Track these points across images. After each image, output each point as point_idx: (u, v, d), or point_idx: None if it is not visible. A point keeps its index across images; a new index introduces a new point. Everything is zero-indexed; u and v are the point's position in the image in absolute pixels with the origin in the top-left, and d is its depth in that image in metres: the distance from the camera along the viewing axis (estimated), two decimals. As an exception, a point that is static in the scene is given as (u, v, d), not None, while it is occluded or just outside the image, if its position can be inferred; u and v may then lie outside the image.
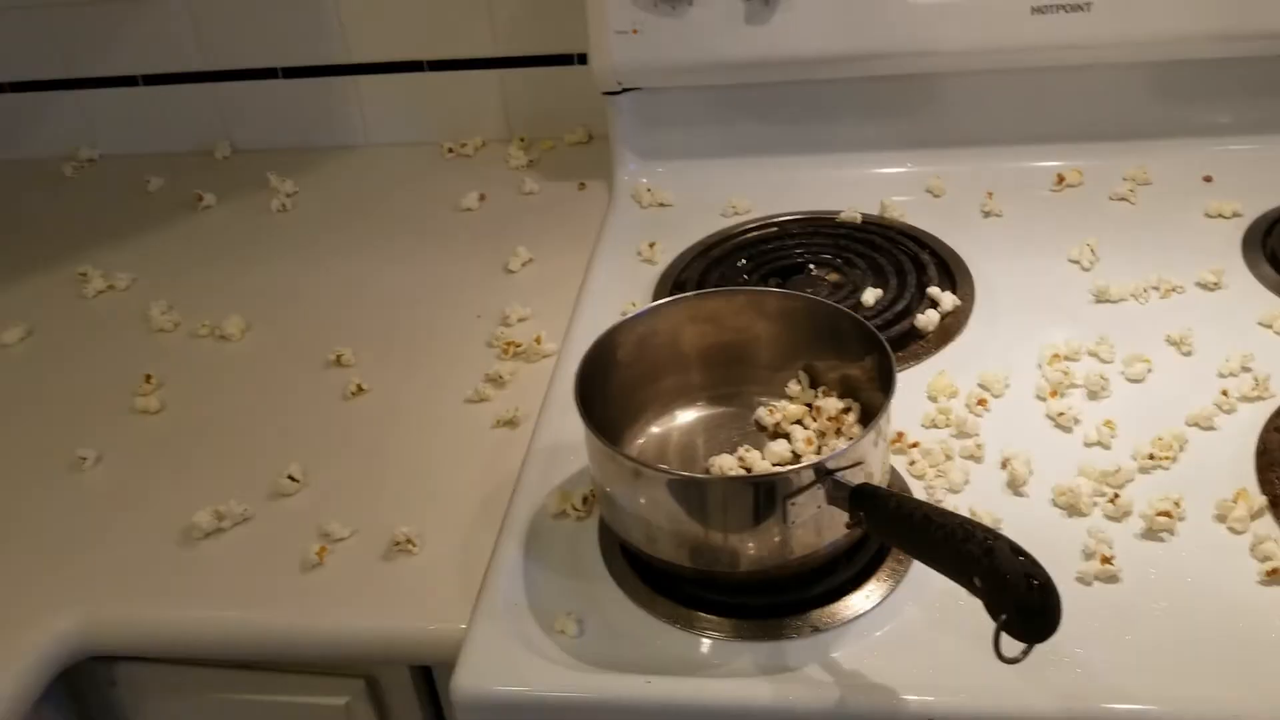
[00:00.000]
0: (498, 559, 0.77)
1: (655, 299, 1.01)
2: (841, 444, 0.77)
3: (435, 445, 0.88)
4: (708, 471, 0.78)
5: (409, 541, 0.78)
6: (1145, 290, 0.95)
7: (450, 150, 1.30)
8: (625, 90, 1.15)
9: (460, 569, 0.77)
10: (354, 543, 0.80)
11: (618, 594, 0.74)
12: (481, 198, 1.20)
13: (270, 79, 1.31)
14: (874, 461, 0.69)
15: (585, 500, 0.80)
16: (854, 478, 0.67)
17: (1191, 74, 1.07)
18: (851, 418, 0.79)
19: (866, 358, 0.77)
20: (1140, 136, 1.10)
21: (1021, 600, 0.55)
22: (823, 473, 0.66)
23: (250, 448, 0.90)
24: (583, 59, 1.25)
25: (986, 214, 1.08)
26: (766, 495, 0.66)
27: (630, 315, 0.80)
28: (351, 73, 1.30)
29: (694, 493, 0.68)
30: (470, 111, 1.31)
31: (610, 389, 0.78)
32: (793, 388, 0.82)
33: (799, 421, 0.81)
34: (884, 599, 0.71)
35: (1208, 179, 1.08)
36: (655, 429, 0.83)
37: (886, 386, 0.71)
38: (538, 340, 0.96)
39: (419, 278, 1.09)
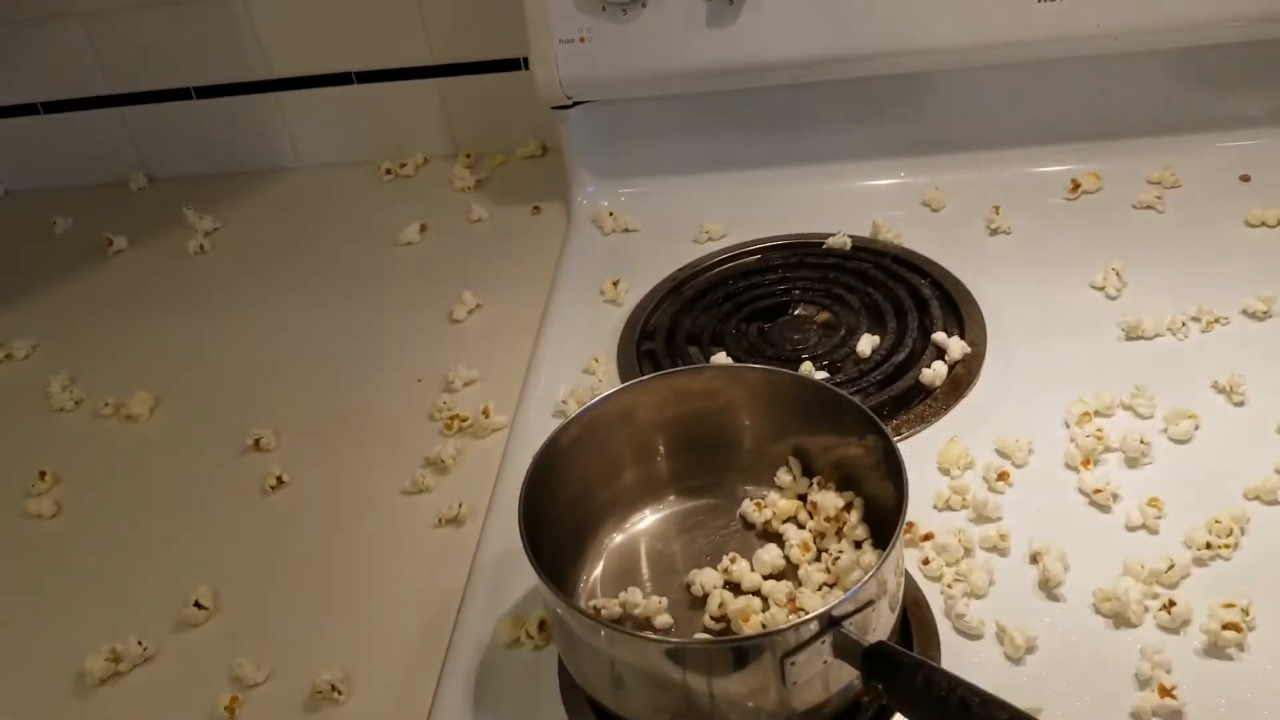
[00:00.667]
0: (440, 709, 0.65)
1: (620, 348, 0.88)
2: (852, 560, 0.64)
3: (366, 554, 0.76)
4: (688, 589, 0.66)
5: (333, 689, 0.66)
6: (1183, 323, 0.82)
7: (388, 171, 1.17)
8: (577, 104, 1.01)
9: (396, 722, 0.65)
10: (270, 690, 0.68)
11: (584, 756, 0.61)
12: (423, 229, 1.07)
13: (184, 100, 1.17)
14: (889, 591, 0.57)
15: (542, 626, 0.67)
16: (866, 626, 0.54)
17: (1220, 60, 0.94)
18: (854, 516, 0.67)
19: (868, 436, 0.64)
20: (1165, 133, 0.97)
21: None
22: (827, 624, 0.54)
23: (155, 562, 0.78)
24: (527, 64, 1.11)
25: (993, 231, 0.94)
26: (758, 657, 0.54)
27: (580, 410, 0.67)
28: (274, 89, 1.16)
29: (675, 658, 0.55)
30: (409, 126, 1.17)
31: (564, 495, 0.66)
32: (783, 478, 0.70)
33: (792, 518, 0.69)
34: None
35: (1245, 178, 0.95)
36: (620, 536, 0.70)
37: (899, 499, 0.58)
38: (485, 413, 0.83)
39: (352, 331, 0.96)
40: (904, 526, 0.57)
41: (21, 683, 0.71)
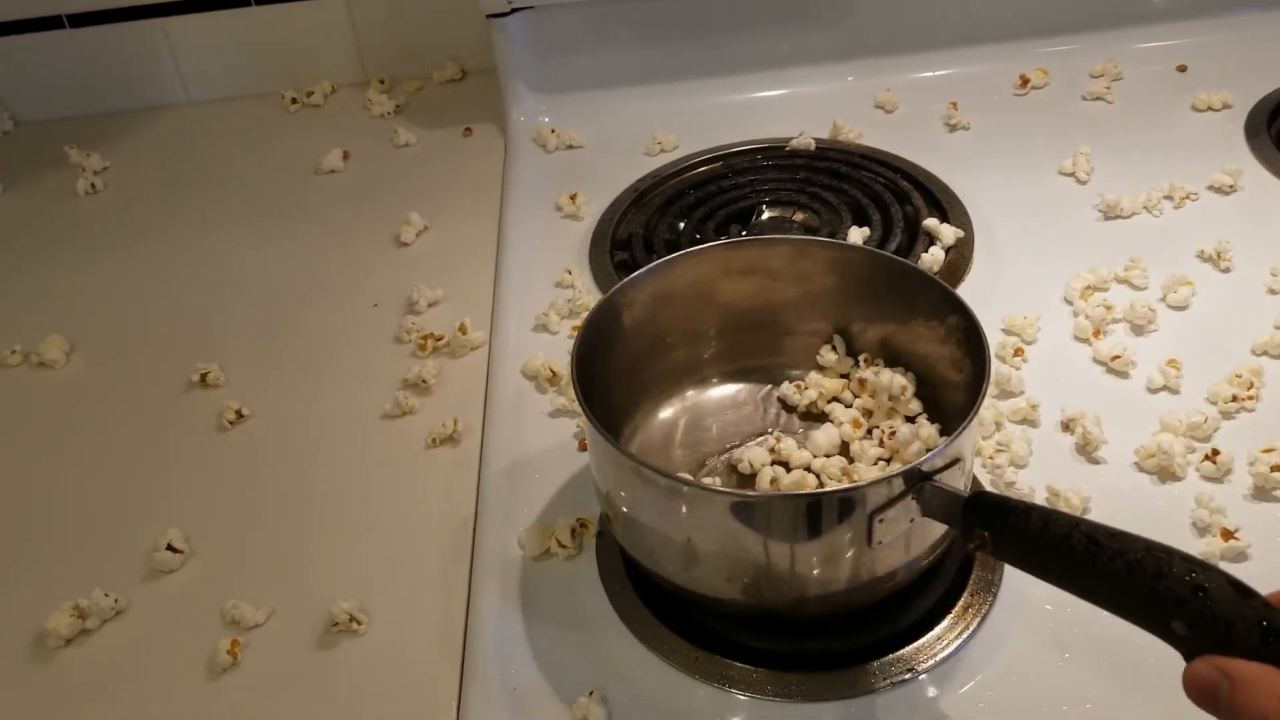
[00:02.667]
0: (477, 628, 0.59)
1: (592, 258, 0.83)
2: (911, 432, 0.61)
3: (356, 481, 0.69)
4: (734, 469, 0.62)
5: (352, 619, 0.59)
6: (1158, 201, 0.82)
7: (294, 101, 1.07)
8: (514, 10, 0.95)
9: (429, 648, 0.58)
10: (275, 628, 0.60)
11: (647, 656, 0.56)
12: (345, 155, 0.99)
13: (54, 29, 1.05)
14: (971, 453, 0.54)
15: (574, 533, 0.62)
16: (954, 480, 0.52)
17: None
18: (909, 392, 0.63)
19: (945, 313, 0.60)
20: (1100, 27, 0.99)
21: (1260, 657, 0.40)
22: (918, 478, 0.51)
23: (110, 513, 0.68)
24: (448, -21, 1.04)
25: (952, 127, 0.93)
26: (848, 514, 0.50)
27: (643, 270, 0.62)
28: (157, 14, 1.05)
29: (757, 515, 0.51)
30: (314, 51, 1.08)
31: (611, 369, 0.61)
32: (826, 356, 0.66)
33: (836, 398, 0.65)
34: (979, 624, 0.56)
35: (1182, 68, 0.97)
36: (664, 414, 0.66)
37: (980, 365, 0.55)
38: (462, 329, 0.77)
39: (288, 263, 0.87)
40: (988, 382, 0.54)
41: (-35, 655, 0.61)
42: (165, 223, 0.94)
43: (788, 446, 0.62)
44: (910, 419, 0.63)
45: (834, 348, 0.66)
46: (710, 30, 0.98)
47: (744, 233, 0.83)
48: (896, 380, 0.62)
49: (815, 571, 0.53)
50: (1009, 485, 0.63)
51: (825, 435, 0.62)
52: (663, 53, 0.98)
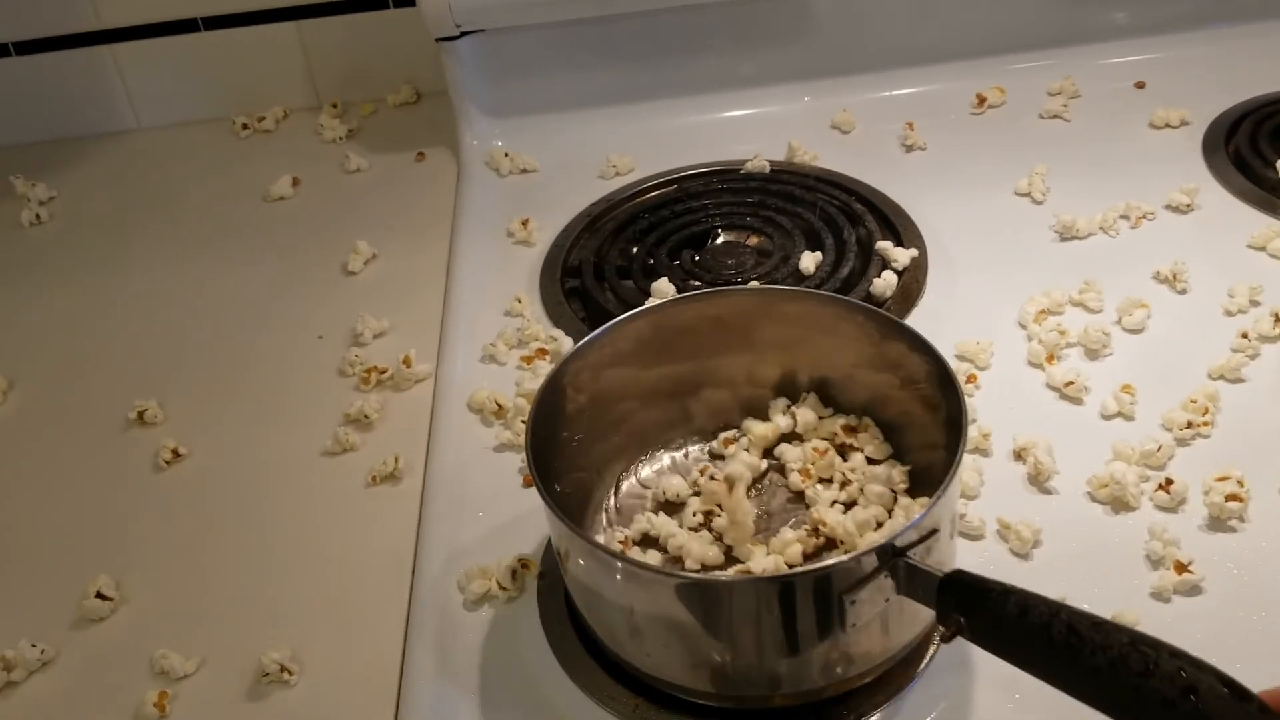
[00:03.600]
0: (413, 677, 0.57)
1: (542, 286, 0.82)
2: (872, 474, 0.59)
3: (294, 522, 0.67)
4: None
5: (283, 670, 0.57)
6: (1114, 221, 0.81)
7: (245, 126, 1.06)
8: (464, 34, 0.93)
9: (363, 699, 0.57)
10: (204, 680, 0.59)
11: (590, 707, 0.55)
12: (295, 182, 0.97)
13: (1, 57, 1.03)
14: (952, 516, 0.52)
15: (514, 574, 0.60)
16: (934, 557, 0.49)
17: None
18: (868, 433, 0.62)
19: (914, 356, 0.58)
20: (1058, 44, 0.98)
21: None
22: (888, 555, 0.48)
23: (39, 558, 0.67)
24: (400, 1, 1.03)
25: (909, 147, 0.92)
26: (818, 592, 0.48)
27: (585, 340, 0.60)
28: (106, 40, 1.03)
29: (715, 599, 0.49)
30: (265, 76, 1.06)
31: (567, 429, 0.60)
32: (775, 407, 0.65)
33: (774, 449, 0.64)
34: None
35: (1140, 85, 0.96)
36: (625, 480, 0.64)
37: (956, 420, 0.53)
38: (406, 362, 0.75)
39: (235, 294, 0.86)
40: (965, 445, 0.52)
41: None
42: (112, 253, 0.92)
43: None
44: (873, 462, 0.62)
45: (788, 405, 0.65)
46: (666, 51, 0.97)
47: (696, 258, 0.81)
48: (836, 421, 0.61)
49: (788, 659, 0.50)
50: (960, 518, 0.62)
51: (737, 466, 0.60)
52: (617, 74, 0.97)
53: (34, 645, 0.60)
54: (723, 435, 0.65)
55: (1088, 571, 0.59)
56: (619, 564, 0.51)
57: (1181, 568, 0.58)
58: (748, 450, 0.64)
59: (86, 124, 1.07)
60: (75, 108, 1.06)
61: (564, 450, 0.59)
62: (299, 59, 1.06)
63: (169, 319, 0.84)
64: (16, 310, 0.87)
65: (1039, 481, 0.64)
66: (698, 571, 0.57)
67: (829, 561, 0.53)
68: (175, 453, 0.71)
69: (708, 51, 0.97)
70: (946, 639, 0.49)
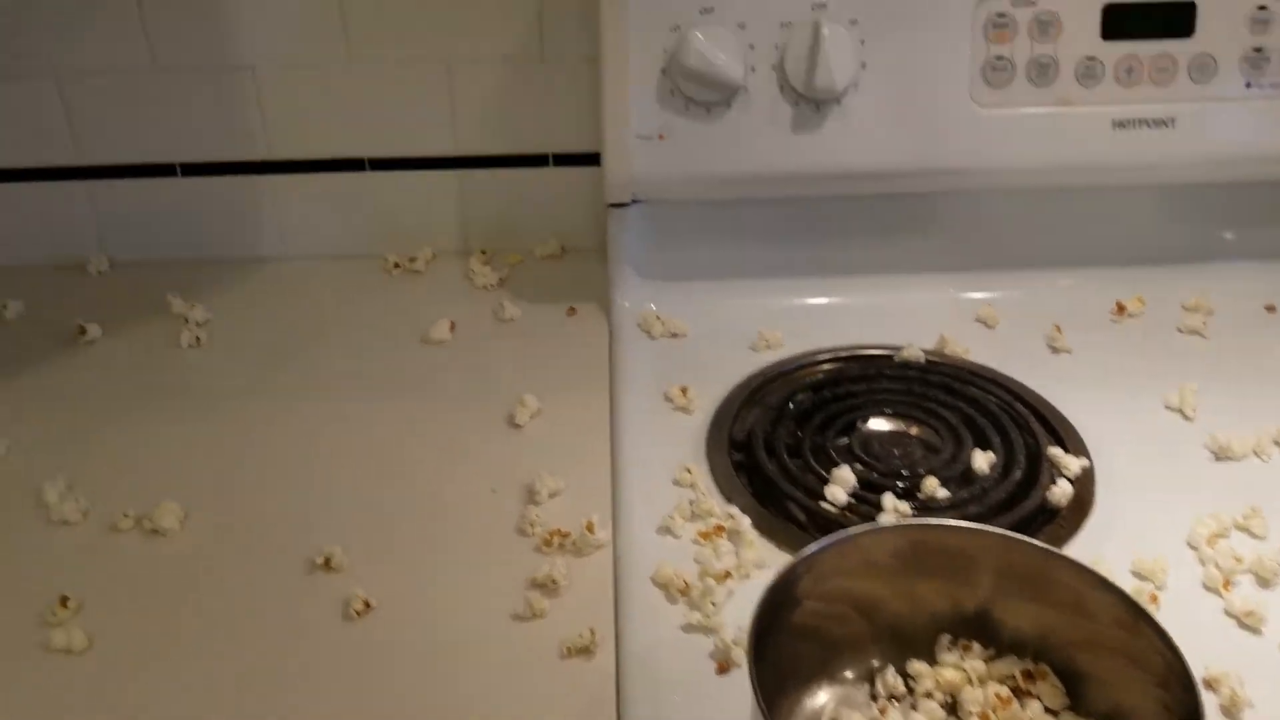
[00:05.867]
0: None
1: (709, 458, 0.83)
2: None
3: (488, 689, 0.67)
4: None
5: None
6: (1267, 445, 0.84)
7: (396, 265, 1.09)
8: (635, 201, 0.97)
9: None
10: None
11: None
12: (452, 326, 1.00)
13: (166, 177, 1.06)
14: None
15: (725, 768, 0.61)
16: None
17: (1260, 196, 0.99)
18: (1048, 681, 0.63)
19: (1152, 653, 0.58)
20: (1199, 260, 1.02)
21: None
22: None
23: (224, 707, 0.66)
24: (559, 160, 1.08)
25: (1055, 349, 0.96)
26: None
27: (812, 551, 0.61)
28: (272, 171, 1.07)
29: None
30: (419, 219, 1.10)
31: (779, 647, 0.59)
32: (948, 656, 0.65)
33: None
34: None
35: (1270, 308, 1.00)
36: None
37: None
38: (589, 528, 0.76)
39: (399, 436, 0.87)
40: None
41: None
42: (271, 382, 0.93)
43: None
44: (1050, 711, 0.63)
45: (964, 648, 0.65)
46: (819, 233, 1.01)
47: (863, 444, 0.83)
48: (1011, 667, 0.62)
49: None
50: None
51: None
52: (773, 250, 1.01)
53: (241, 801, 0.59)
54: (909, 670, 0.65)
55: None
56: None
57: (1394, 820, 0.58)
58: (930, 694, 0.64)
59: (233, 247, 1.10)
60: (225, 231, 1.09)
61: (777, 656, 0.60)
62: (454, 206, 1.09)
63: (337, 454, 0.85)
64: (186, 436, 0.87)
65: (1233, 714, 0.65)
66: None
67: None
68: (366, 604, 0.72)
69: (858, 236, 1.01)
70: None
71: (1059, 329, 0.96)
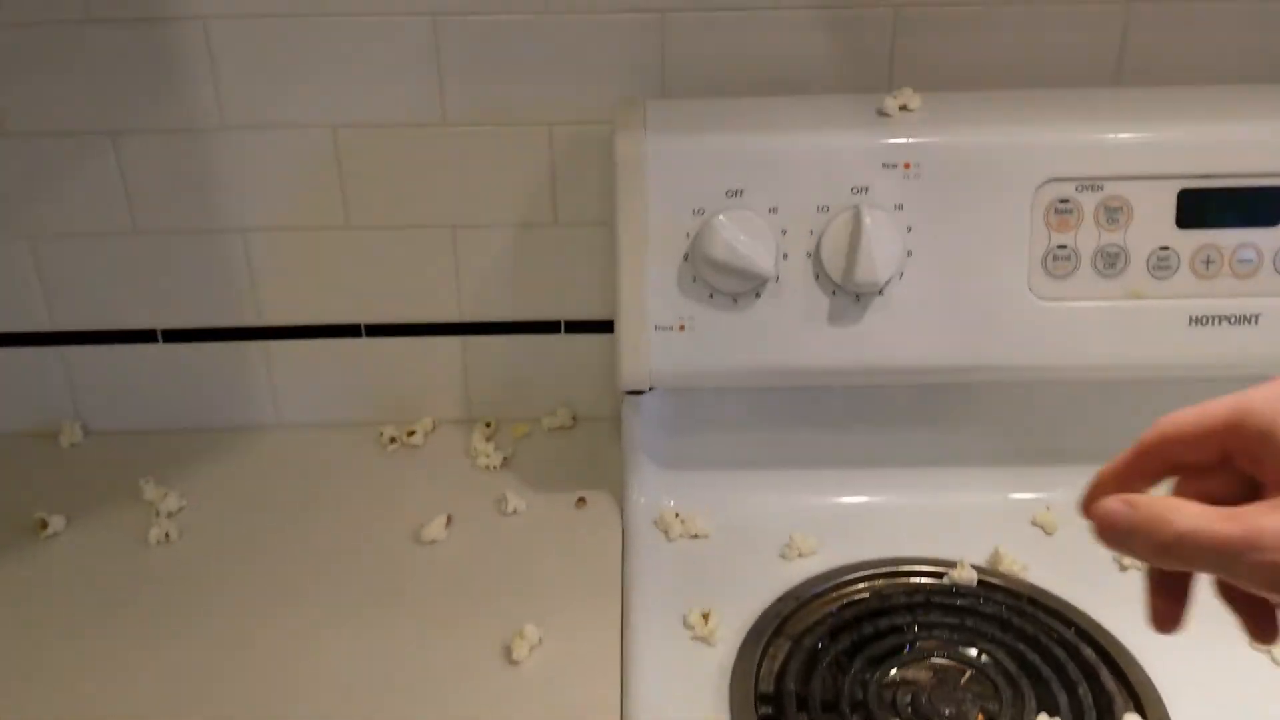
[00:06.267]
0: None
1: (733, 711, 0.73)
2: None
3: None
4: None
5: None
6: (1376, 704, 0.73)
7: (393, 440, 0.99)
8: (652, 388, 0.88)
9: None
10: None
11: None
12: (449, 521, 0.90)
13: (146, 343, 0.98)
14: None
15: None
16: None
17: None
18: None
19: None
20: None
21: None
22: None
23: None
24: (571, 327, 0.99)
25: (1124, 566, 0.85)
26: None
27: None
28: (262, 337, 0.98)
29: None
30: (420, 387, 1.01)
31: None
32: None
33: None
34: None
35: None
36: None
37: None
38: (591, 810, 0.66)
39: (380, 660, 0.77)
40: None
41: None
42: (242, 588, 0.84)
43: None
44: None
45: None
46: (852, 420, 0.91)
47: (910, 698, 0.73)
48: None
49: None
50: None
51: None
52: (806, 441, 0.91)
53: None
54: None
55: None
56: None
57: None
58: None
59: (221, 416, 1.01)
60: (213, 400, 1.01)
61: None
62: (457, 374, 1.00)
63: (306, 684, 0.75)
64: (142, 661, 0.78)
65: None
66: None
67: None
68: None
69: (899, 425, 0.91)
70: None
71: (1128, 543, 0.85)
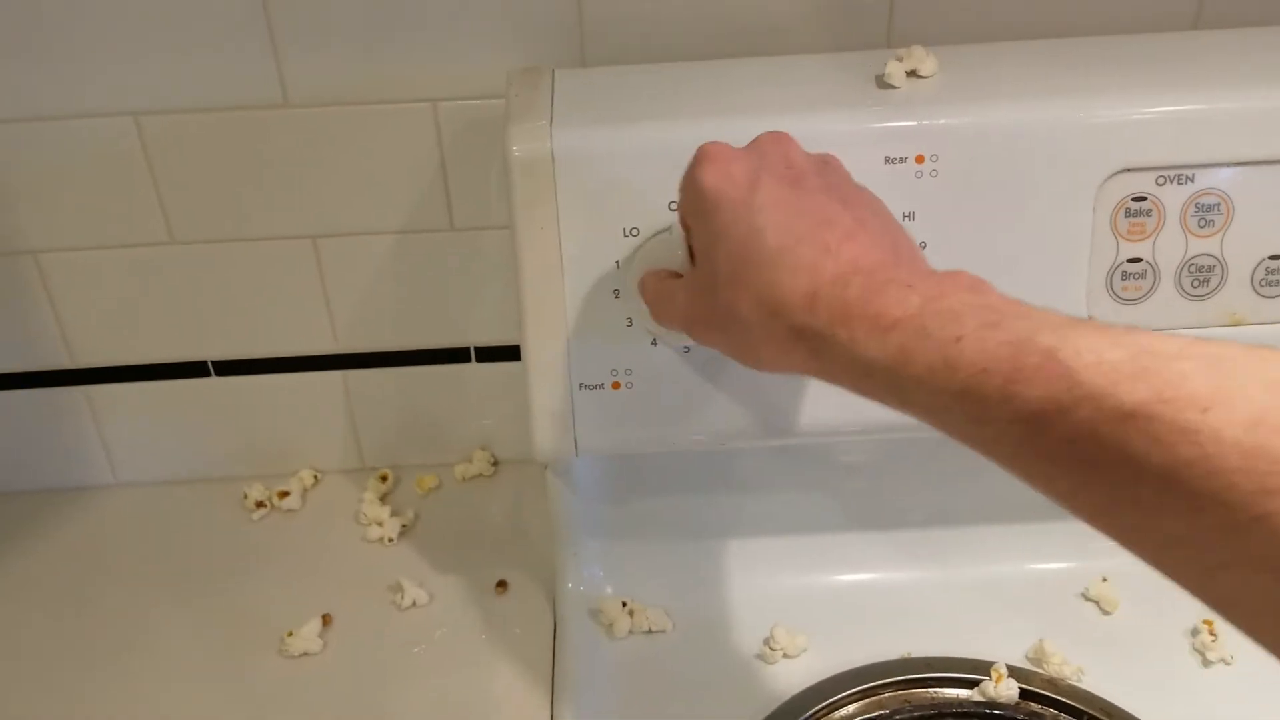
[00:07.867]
0: None
1: None
2: None
3: None
4: None
5: None
6: None
7: (260, 504, 0.78)
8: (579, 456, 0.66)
9: None
10: None
11: None
12: (326, 622, 0.69)
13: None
14: None
15: None
16: None
17: None
18: None
19: None
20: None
21: None
22: None
23: None
24: (483, 355, 0.77)
25: (1208, 661, 0.65)
26: None
27: None
28: (78, 381, 0.76)
29: None
30: (293, 434, 0.79)
31: None
32: None
33: None
34: None
35: None
36: None
37: None
38: None
39: None
40: None
41: None
42: (43, 713, 0.64)
43: None
44: None
45: None
46: (844, 477, 0.70)
47: None
48: None
49: None
50: None
51: None
52: (777, 499, 0.70)
53: None
54: None
55: None
56: None
57: None
58: None
59: (44, 475, 0.80)
60: (32, 457, 0.79)
61: None
62: (340, 416, 0.78)
63: None
64: None
65: None
66: None
67: None
68: None
69: (904, 478, 0.70)
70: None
71: (1210, 629, 0.66)
